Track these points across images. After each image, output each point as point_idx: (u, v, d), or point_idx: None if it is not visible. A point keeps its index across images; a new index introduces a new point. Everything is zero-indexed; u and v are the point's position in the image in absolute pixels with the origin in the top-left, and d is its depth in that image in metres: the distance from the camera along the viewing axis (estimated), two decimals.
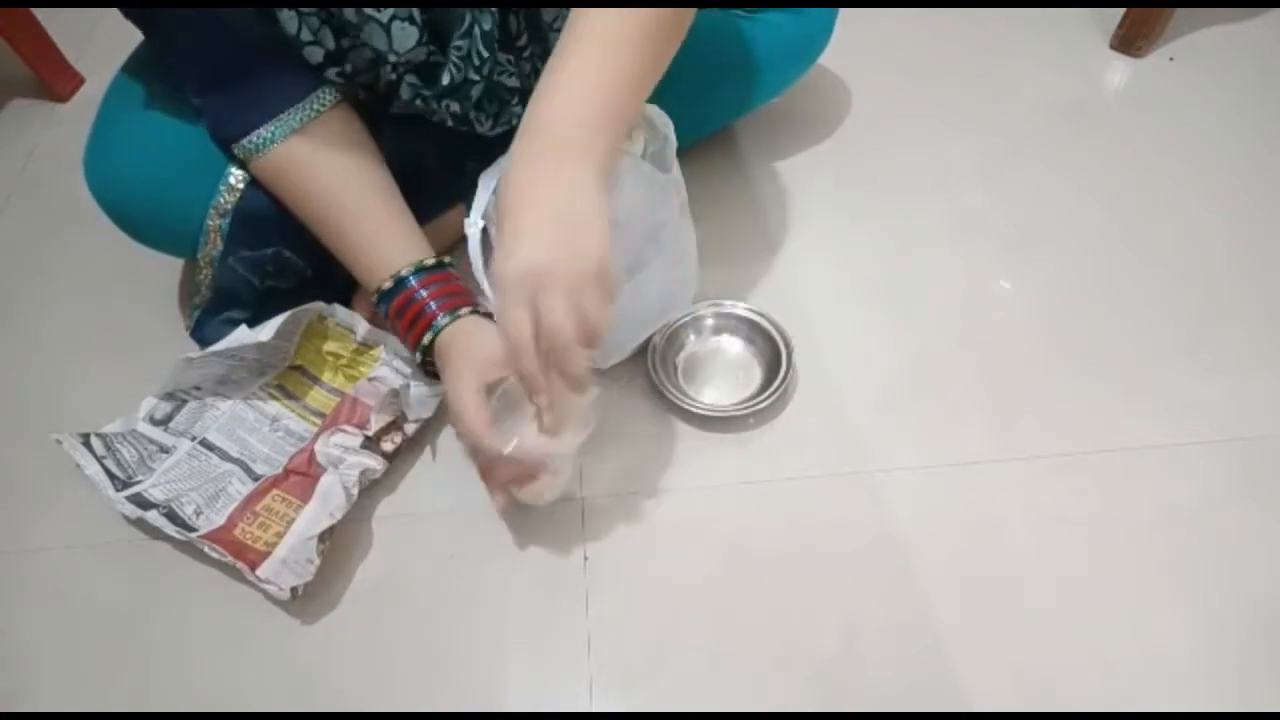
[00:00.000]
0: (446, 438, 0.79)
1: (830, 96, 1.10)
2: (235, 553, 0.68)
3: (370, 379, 0.78)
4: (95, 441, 0.75)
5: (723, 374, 0.83)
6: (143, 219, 0.76)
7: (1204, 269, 0.91)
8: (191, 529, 0.71)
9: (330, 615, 0.70)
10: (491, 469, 0.69)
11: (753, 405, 0.78)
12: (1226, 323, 0.86)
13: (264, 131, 0.68)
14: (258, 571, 0.67)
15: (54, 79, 1.18)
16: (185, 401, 0.80)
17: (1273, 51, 1.16)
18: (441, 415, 0.80)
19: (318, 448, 0.74)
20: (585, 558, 0.73)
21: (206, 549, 0.70)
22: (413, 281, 0.71)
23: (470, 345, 0.69)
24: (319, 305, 0.80)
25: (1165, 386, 0.82)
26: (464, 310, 0.71)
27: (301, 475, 0.73)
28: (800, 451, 0.78)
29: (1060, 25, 1.20)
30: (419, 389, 0.76)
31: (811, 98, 1.09)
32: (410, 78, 0.71)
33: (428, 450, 0.79)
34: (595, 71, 0.54)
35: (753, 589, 0.71)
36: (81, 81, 1.20)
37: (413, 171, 0.77)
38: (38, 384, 0.87)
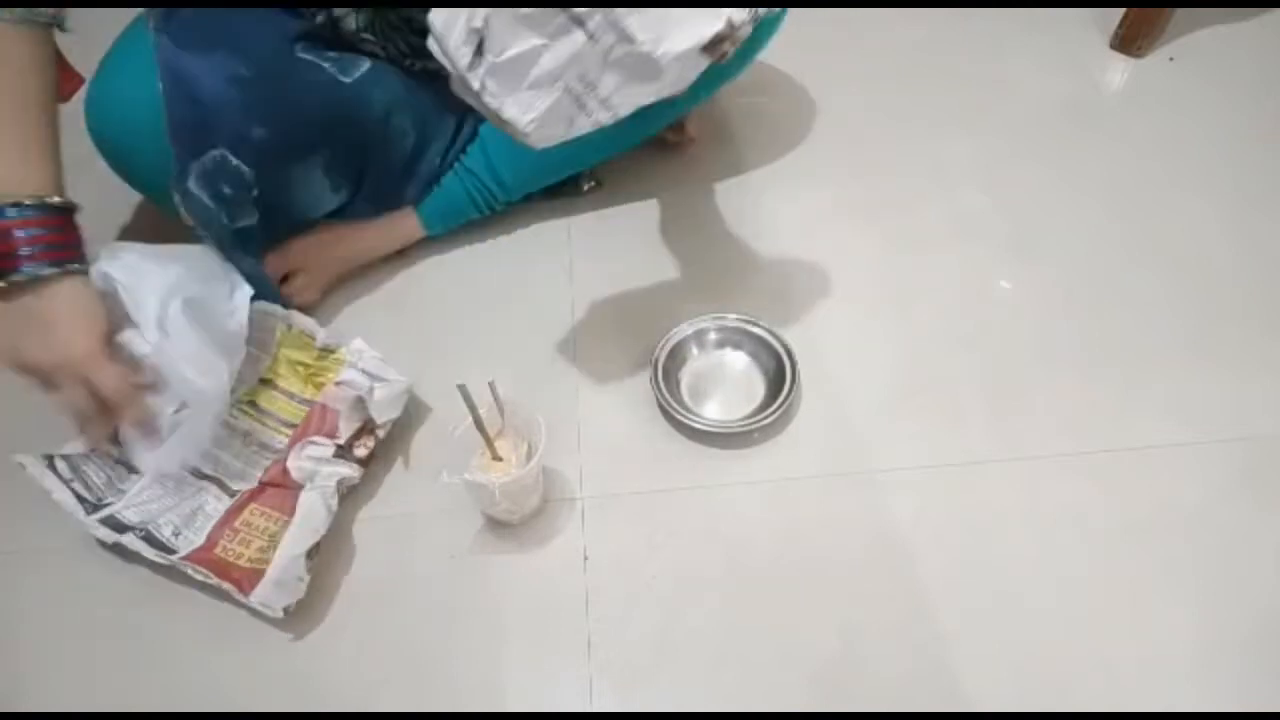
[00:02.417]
0: (439, 442, 0.79)
1: (830, 98, 1.10)
2: (220, 573, 0.67)
3: (338, 383, 0.76)
4: (60, 464, 0.72)
5: (726, 388, 0.83)
6: (129, 151, 0.76)
7: (1204, 269, 0.91)
8: (171, 550, 0.70)
9: (329, 616, 0.70)
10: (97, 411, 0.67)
11: (758, 421, 0.77)
12: (1226, 323, 0.86)
13: None
14: (251, 596, 0.66)
15: None
16: None
17: (1273, 51, 1.16)
18: (417, 417, 0.80)
19: (290, 463, 0.72)
20: (585, 558, 0.73)
21: (190, 571, 0.68)
22: (11, 215, 0.62)
23: (78, 309, 0.65)
24: (280, 312, 0.80)
25: (1165, 386, 0.82)
26: (73, 265, 0.65)
27: (277, 487, 0.73)
28: (801, 451, 0.78)
29: (1060, 25, 1.20)
30: (383, 389, 0.74)
31: (811, 99, 1.09)
32: None
33: (427, 449, 0.79)
34: None
35: (753, 589, 0.71)
36: (81, 81, 1.19)
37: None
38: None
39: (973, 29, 1.20)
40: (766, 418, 0.77)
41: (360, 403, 0.74)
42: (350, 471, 0.73)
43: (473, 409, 0.68)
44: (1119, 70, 1.15)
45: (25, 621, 0.72)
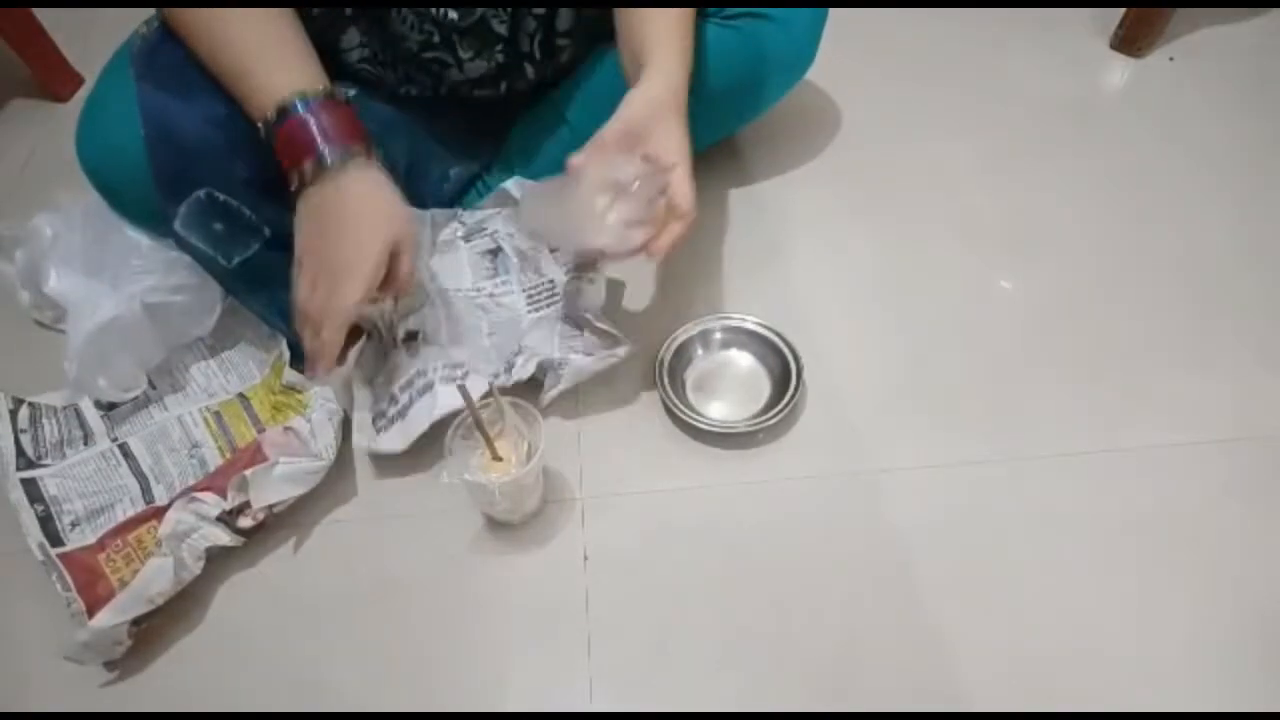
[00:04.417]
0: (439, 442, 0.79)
1: (831, 98, 1.10)
2: (86, 583, 0.66)
3: (286, 428, 0.74)
4: (24, 412, 0.71)
5: (731, 388, 0.82)
6: (119, 193, 0.74)
7: (1204, 269, 0.91)
8: (60, 543, 0.69)
9: (330, 615, 0.70)
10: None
11: (762, 421, 0.77)
12: (1226, 323, 0.86)
13: None
14: (66, 643, 0.63)
15: (54, 79, 1.18)
16: (137, 397, 0.79)
17: (1272, 51, 1.16)
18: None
19: (171, 513, 0.68)
20: (585, 558, 0.73)
21: (54, 578, 0.67)
22: (299, 110, 0.65)
23: (372, 205, 0.66)
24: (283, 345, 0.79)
25: (1165, 386, 0.82)
26: (357, 150, 0.66)
27: None
28: (800, 451, 0.78)
29: (1060, 25, 1.20)
30: (288, 466, 0.70)
31: (812, 100, 1.09)
32: None
33: (428, 450, 0.79)
34: (681, 56, 0.72)
35: (753, 589, 0.71)
36: (81, 81, 1.20)
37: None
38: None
39: (973, 29, 1.20)
40: (772, 418, 0.77)
41: (243, 481, 0.69)
42: (228, 540, 0.69)
43: (473, 409, 0.68)
44: (1119, 70, 1.15)
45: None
